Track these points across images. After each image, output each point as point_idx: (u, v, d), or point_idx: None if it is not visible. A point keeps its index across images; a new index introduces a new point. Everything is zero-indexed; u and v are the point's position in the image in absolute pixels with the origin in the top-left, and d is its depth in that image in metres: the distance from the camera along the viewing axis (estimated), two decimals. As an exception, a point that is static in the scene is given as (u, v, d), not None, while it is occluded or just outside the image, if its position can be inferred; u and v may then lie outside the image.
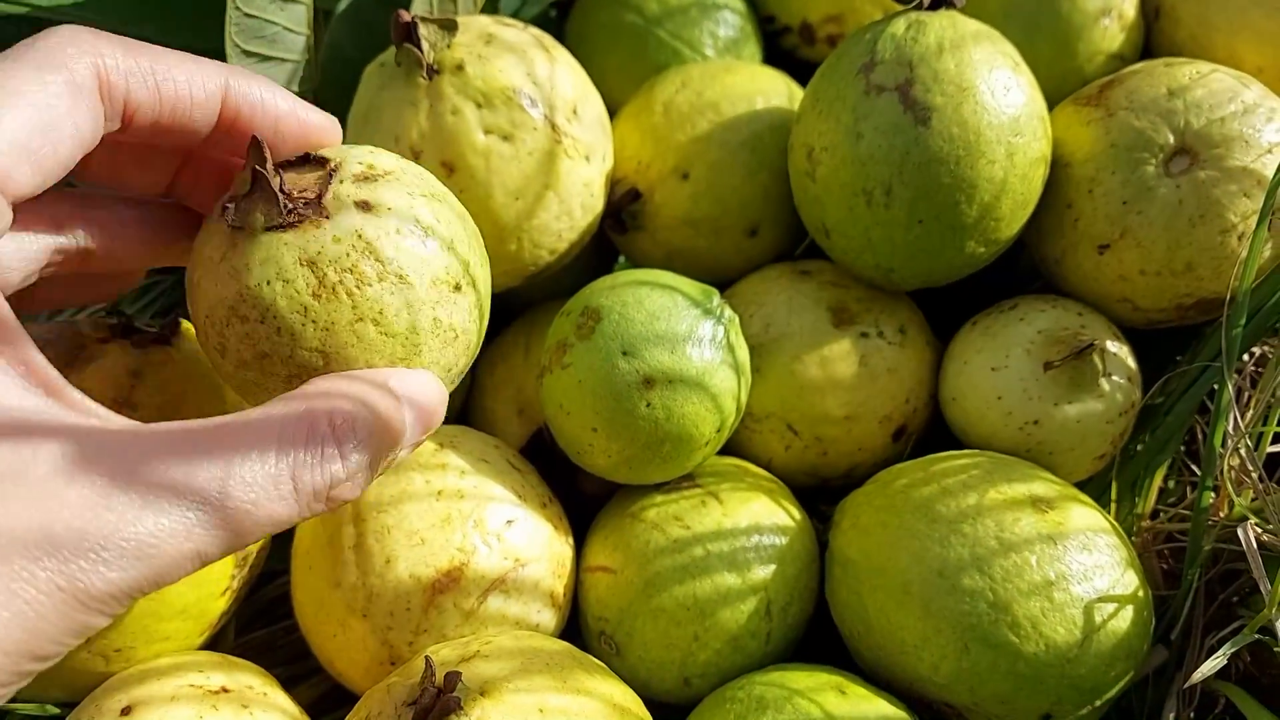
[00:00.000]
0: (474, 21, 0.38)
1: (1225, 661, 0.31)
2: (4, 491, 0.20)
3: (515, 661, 0.29)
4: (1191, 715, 0.37)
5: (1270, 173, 0.35)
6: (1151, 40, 0.48)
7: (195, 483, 0.21)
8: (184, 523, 0.21)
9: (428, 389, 0.26)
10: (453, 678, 0.27)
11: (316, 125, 0.28)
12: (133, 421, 0.23)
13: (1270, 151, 0.35)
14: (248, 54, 0.39)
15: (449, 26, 0.36)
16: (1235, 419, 0.35)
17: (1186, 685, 0.31)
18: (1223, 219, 0.35)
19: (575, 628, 0.38)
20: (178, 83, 0.25)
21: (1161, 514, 0.39)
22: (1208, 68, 0.37)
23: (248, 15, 0.38)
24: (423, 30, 0.36)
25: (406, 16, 0.36)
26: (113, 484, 0.20)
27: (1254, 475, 0.35)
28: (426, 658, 0.28)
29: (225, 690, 0.31)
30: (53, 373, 0.22)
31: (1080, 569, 0.32)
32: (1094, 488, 0.39)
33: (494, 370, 0.43)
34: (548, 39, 0.39)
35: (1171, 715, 0.36)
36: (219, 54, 0.38)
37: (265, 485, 0.22)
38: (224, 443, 0.22)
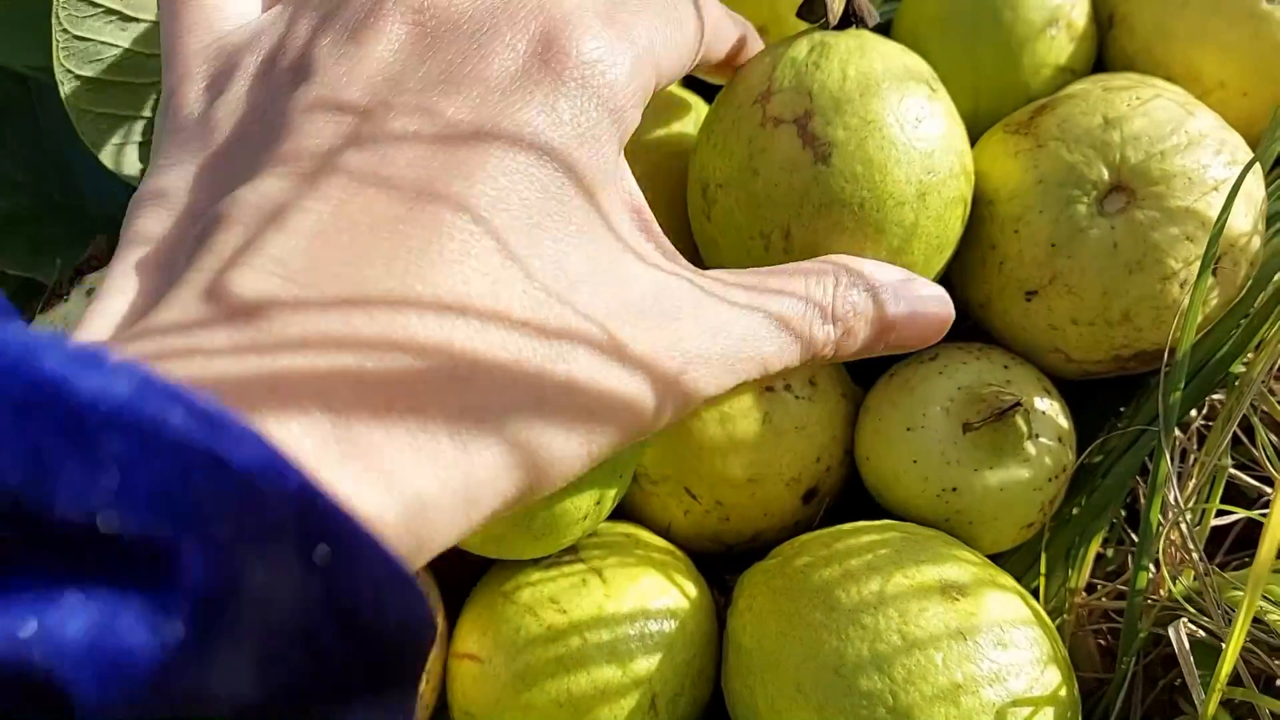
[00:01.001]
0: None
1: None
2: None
3: None
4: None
5: (1211, 207, 0.31)
6: (1105, 51, 0.44)
7: (768, 308, 0.24)
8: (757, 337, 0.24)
9: (936, 298, 0.29)
10: None
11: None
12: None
13: (1217, 189, 0.31)
14: (84, 79, 0.35)
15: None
16: (1175, 494, 0.31)
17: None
18: (1163, 265, 0.31)
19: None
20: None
21: (1098, 587, 0.35)
22: (1149, 93, 0.33)
23: (77, 38, 0.34)
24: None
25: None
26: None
27: (1193, 555, 0.31)
28: None
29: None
30: (648, 213, 0.25)
31: (992, 669, 0.29)
32: (1023, 557, 0.36)
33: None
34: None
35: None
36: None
37: (793, 336, 0.24)
38: (775, 284, 0.25)
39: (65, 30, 0.33)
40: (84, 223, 0.37)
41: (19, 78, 0.41)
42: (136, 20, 0.35)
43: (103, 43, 0.35)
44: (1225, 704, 0.30)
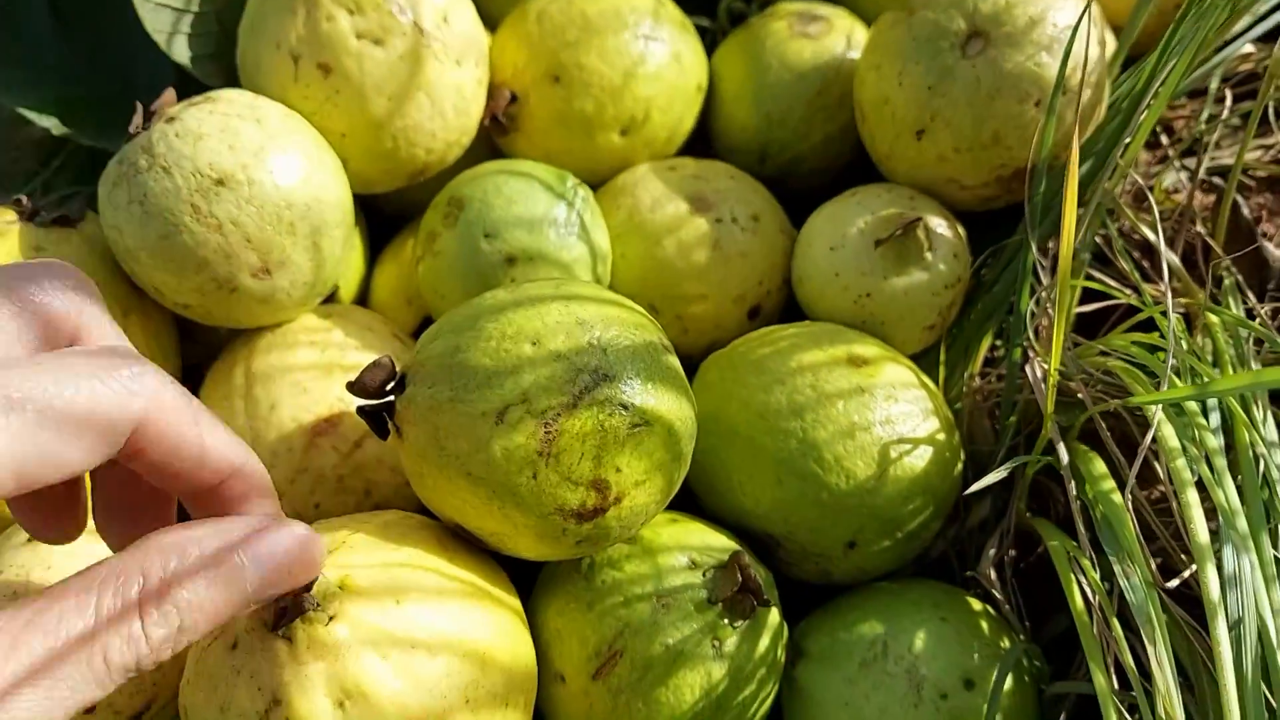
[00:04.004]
0: (349, -65, 0.41)
1: (1006, 474, 0.35)
2: None
3: (377, 553, 0.31)
4: (1012, 554, 0.41)
5: (1054, 43, 0.38)
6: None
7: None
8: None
9: (287, 544, 0.25)
10: (311, 586, 0.27)
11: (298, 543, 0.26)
12: None
13: (1054, 24, 0.38)
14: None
15: (323, -60, 0.39)
16: (1043, 280, 0.38)
17: (969, 491, 0.35)
18: (1017, 90, 0.38)
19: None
20: (193, 456, 0.24)
21: (990, 375, 0.43)
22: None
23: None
24: (298, -57, 0.39)
25: (282, -69, 0.39)
26: None
27: (1060, 343, 0.38)
28: None
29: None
30: None
31: (883, 415, 0.36)
32: (930, 361, 0.43)
33: (384, 266, 0.47)
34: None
35: (991, 552, 0.40)
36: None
37: (85, 677, 0.21)
38: (44, 634, 0.21)
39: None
40: (133, 109, 0.44)
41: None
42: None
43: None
44: (1085, 442, 0.37)
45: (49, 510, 0.26)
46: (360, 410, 0.32)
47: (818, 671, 0.36)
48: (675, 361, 0.33)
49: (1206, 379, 0.34)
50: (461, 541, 0.34)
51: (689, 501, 0.40)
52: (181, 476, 0.25)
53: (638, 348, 0.31)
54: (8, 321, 0.23)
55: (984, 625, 0.36)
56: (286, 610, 0.28)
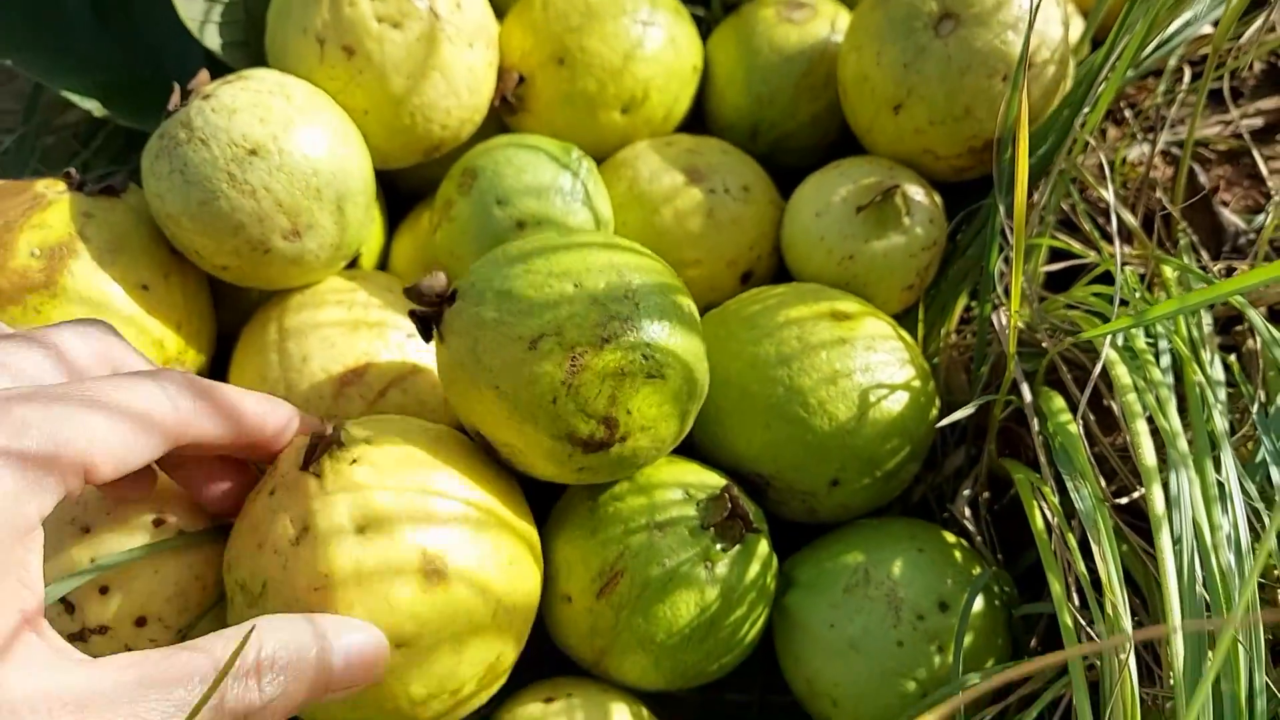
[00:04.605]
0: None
1: (974, 410, 0.38)
2: None
3: (398, 425, 0.35)
4: (986, 495, 0.44)
5: (1019, 22, 0.41)
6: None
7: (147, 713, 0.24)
8: None
9: (366, 642, 0.29)
10: (339, 423, 0.32)
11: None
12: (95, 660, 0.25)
13: (1020, 4, 0.41)
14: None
15: (345, -68, 0.43)
16: (1011, 242, 0.41)
17: (943, 424, 0.38)
18: (986, 65, 0.41)
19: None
20: (251, 424, 0.31)
21: (965, 333, 0.46)
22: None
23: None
24: (322, -65, 0.42)
25: (308, -77, 0.42)
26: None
27: (1019, 288, 0.41)
28: (324, 419, 0.34)
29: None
30: (57, 639, 0.25)
31: (863, 363, 0.39)
32: (910, 319, 0.46)
33: (402, 238, 0.51)
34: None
35: (966, 491, 0.43)
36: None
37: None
38: (169, 673, 0.25)
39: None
40: (167, 92, 0.47)
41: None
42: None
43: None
44: (1051, 387, 0.41)
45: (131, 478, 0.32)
46: (412, 313, 0.36)
47: (805, 598, 0.39)
48: (697, 319, 0.36)
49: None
50: (484, 458, 0.37)
51: (687, 447, 0.43)
52: (238, 443, 0.31)
53: (666, 307, 0.34)
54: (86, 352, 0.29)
55: (958, 555, 0.39)
56: (316, 447, 0.31)
